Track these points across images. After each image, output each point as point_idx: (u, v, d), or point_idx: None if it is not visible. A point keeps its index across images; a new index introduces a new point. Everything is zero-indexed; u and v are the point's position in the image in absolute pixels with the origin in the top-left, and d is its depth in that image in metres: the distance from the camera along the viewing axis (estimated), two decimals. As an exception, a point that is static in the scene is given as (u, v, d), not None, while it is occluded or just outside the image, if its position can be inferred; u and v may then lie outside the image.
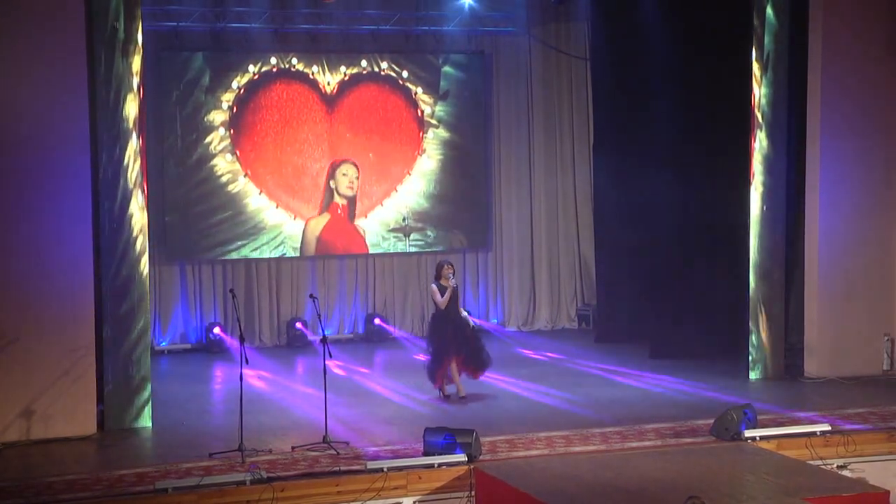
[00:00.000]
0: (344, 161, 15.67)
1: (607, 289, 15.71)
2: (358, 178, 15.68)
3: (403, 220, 15.64)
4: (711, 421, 10.30)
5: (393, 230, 15.79)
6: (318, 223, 15.60)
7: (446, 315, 11.75)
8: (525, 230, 16.66)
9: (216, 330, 14.97)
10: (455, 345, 11.64)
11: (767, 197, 12.68)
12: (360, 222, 15.81)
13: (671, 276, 14.16)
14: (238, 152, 15.23)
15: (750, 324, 12.79)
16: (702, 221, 13.92)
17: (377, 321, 15.74)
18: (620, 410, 10.93)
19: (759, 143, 12.66)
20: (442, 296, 11.71)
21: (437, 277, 11.88)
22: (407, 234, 15.69)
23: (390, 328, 15.85)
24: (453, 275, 11.80)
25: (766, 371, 12.78)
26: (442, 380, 11.73)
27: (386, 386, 12.69)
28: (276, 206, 15.40)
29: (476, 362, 11.82)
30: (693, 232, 14.01)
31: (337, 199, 15.62)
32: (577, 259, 16.78)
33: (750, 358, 12.81)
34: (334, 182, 15.58)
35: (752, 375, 12.74)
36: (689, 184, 13.85)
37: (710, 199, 13.74)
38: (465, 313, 12.02)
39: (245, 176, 15.25)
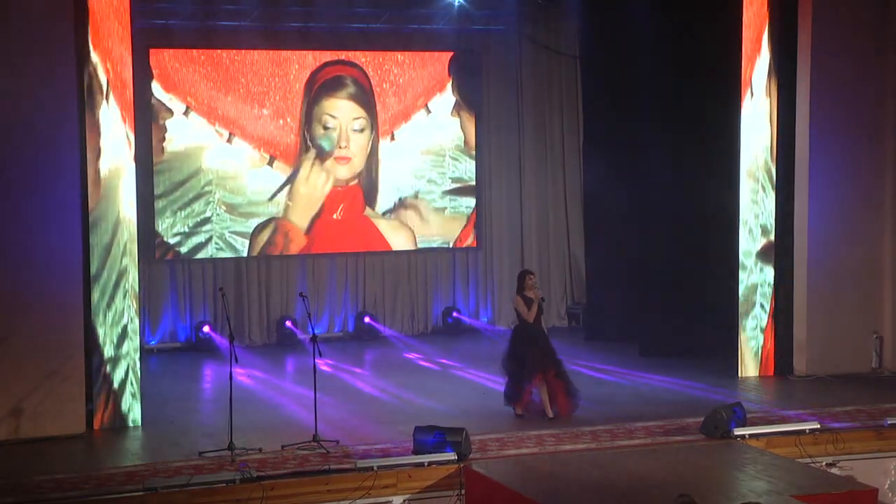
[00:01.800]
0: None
1: (597, 287, 15.73)
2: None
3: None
4: (701, 419, 10.30)
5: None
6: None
7: (530, 330, 10.84)
8: (515, 228, 16.66)
9: (206, 328, 14.94)
10: (542, 363, 10.72)
11: (756, 195, 12.75)
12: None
13: (661, 274, 14.18)
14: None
15: (739, 322, 12.82)
16: (693, 219, 13.93)
17: (367, 320, 15.73)
18: (610, 409, 10.94)
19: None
20: (529, 308, 10.80)
21: (521, 288, 10.88)
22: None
23: (380, 327, 15.85)
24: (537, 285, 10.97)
25: (756, 369, 12.81)
26: (525, 404, 10.77)
27: (376, 385, 12.70)
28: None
29: (565, 379, 10.79)
30: (684, 229, 14.02)
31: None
32: (566, 257, 16.79)
33: (739, 356, 12.84)
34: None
35: (742, 373, 12.77)
36: (679, 181, 13.85)
37: (702, 196, 13.74)
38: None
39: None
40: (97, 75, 10.60)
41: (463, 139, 16.28)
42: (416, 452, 9.41)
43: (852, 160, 12.87)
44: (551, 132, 16.73)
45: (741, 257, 12.80)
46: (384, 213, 15.97)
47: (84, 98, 10.58)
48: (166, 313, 15.13)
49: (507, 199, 16.60)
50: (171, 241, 15.07)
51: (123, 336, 10.78)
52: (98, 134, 10.63)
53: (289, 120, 15.49)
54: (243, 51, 15.17)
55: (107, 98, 10.64)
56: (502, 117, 16.52)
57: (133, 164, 10.85)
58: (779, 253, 12.82)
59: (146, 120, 14.63)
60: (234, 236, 15.32)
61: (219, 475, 8.95)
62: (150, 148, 14.81)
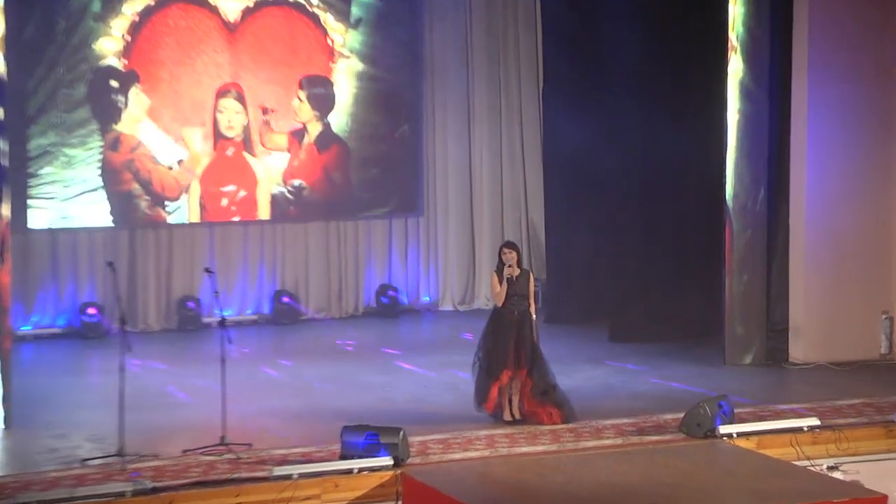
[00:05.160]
0: (226, 92, 15.67)
1: (559, 259, 15.81)
2: (243, 113, 15.68)
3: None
4: (680, 415, 10.35)
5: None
6: (200, 163, 15.63)
7: (503, 314, 10.63)
8: (463, 191, 16.70)
9: (91, 311, 14.86)
10: (513, 356, 10.55)
11: (745, 149, 12.86)
12: (258, 165, 15.85)
13: (635, 246, 14.24)
14: (134, 85, 15.26)
15: (726, 300, 12.92)
16: (672, 179, 14.01)
17: (286, 300, 15.72)
18: (574, 403, 10.83)
19: (736, 78, 12.82)
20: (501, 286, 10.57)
21: (500, 265, 10.66)
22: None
23: (302, 308, 15.86)
24: (518, 261, 10.56)
25: (745, 356, 12.92)
26: (496, 402, 10.63)
27: (297, 376, 12.71)
28: (175, 142, 15.47)
29: (541, 385, 10.58)
30: (662, 192, 14.10)
31: (229, 135, 15.78)
32: (524, 224, 16.84)
33: (725, 341, 12.94)
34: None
35: (729, 361, 12.89)
36: (656, 135, 13.86)
37: (683, 154, 13.81)
38: (534, 316, 10.73)
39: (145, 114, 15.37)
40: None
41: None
42: (343, 457, 9.39)
43: (855, 114, 12.97)
44: (506, 77, 16.75)
45: (730, 225, 12.91)
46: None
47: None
48: (43, 293, 15.02)
49: (454, 157, 16.64)
50: (49, 207, 14.95)
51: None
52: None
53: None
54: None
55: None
56: (448, 58, 16.56)
57: None
58: (771, 221, 12.94)
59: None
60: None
61: (106, 487, 8.84)
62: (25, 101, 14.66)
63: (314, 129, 16.05)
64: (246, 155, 15.78)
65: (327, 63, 16.09)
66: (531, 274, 10.91)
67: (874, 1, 12.93)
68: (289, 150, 15.93)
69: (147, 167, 15.37)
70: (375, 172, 16.28)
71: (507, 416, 10.63)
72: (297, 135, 15.99)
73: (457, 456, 9.70)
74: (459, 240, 16.72)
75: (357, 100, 16.19)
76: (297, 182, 15.98)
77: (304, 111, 16.01)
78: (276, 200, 15.89)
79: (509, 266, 10.59)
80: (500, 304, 10.64)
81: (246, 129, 15.73)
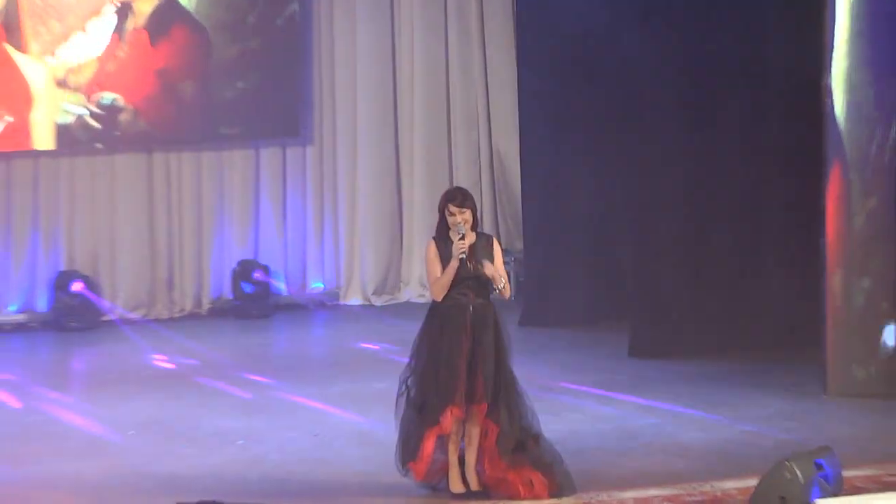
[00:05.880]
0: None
1: (545, 219, 15.85)
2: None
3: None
4: (752, 483, 10.15)
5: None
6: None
7: (448, 314, 10.60)
8: (381, 104, 17.05)
9: None
10: (470, 382, 10.46)
11: (862, 50, 13.06)
12: (35, 69, 15.96)
13: (674, 198, 14.45)
14: None
15: (825, 292, 13.14)
16: (741, 86, 14.36)
17: (78, 288, 15.80)
18: (573, 460, 10.74)
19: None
20: (444, 267, 10.52)
21: (441, 229, 10.60)
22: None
23: (104, 303, 16.00)
24: (473, 223, 10.47)
25: (857, 383, 13.11)
26: (431, 462, 10.62)
27: (96, 419, 12.84)
28: None
29: (514, 432, 10.57)
30: (721, 109, 14.25)
31: None
32: (484, 157, 17.14)
33: (827, 357, 13.14)
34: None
35: (833, 391, 13.09)
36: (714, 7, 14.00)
37: (757, 43, 14.37)
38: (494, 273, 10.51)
39: None
40: None
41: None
42: (176, 557, 9.40)
43: None
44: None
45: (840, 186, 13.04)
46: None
47: None
48: None
49: (367, 50, 16.95)
50: None
51: None
52: None
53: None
54: None
55: None
56: None
57: None
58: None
59: None
60: None
61: None
62: None
63: (144, 5, 16.18)
64: (11, 51, 15.86)
65: None
66: (496, 242, 10.82)
67: None
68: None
69: None
70: (242, 86, 16.44)
71: (455, 486, 10.60)
72: (117, 26, 16.09)
73: (370, 553, 9.58)
74: (375, 185, 16.90)
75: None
76: (108, 98, 16.10)
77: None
78: (66, 132, 15.99)
79: (461, 238, 10.45)
80: (438, 299, 10.56)
81: (12, 6, 15.79)
